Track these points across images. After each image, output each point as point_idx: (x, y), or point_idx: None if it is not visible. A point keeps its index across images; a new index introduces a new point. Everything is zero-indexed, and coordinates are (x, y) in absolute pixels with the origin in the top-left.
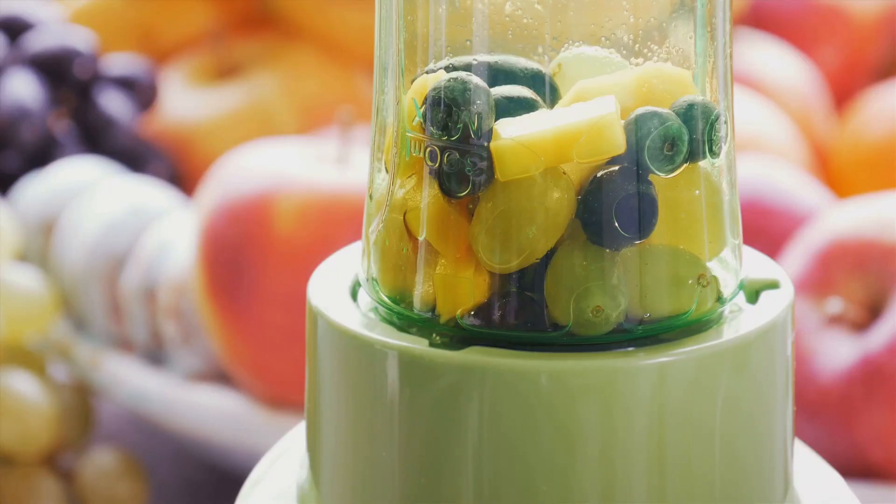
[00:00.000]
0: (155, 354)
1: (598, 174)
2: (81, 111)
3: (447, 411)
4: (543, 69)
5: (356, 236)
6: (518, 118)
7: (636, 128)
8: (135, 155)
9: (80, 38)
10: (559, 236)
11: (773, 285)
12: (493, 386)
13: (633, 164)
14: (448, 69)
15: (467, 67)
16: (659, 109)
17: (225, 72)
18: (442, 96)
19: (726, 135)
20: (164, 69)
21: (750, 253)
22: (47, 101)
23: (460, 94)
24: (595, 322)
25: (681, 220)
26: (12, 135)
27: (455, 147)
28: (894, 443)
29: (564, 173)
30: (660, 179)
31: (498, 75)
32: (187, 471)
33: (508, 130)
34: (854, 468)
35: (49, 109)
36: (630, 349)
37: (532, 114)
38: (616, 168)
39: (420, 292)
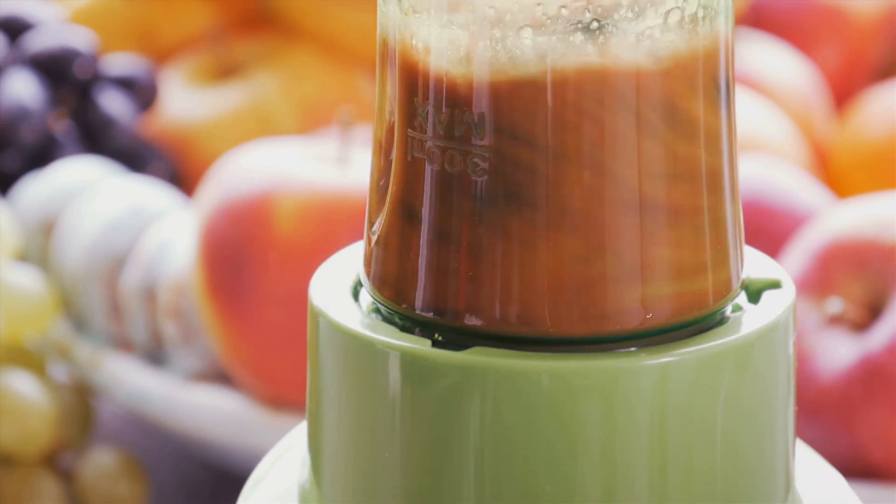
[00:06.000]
0: (155, 354)
1: None
2: (81, 111)
3: (449, 411)
4: None
5: (357, 236)
6: None
7: None
8: (135, 155)
9: (80, 38)
10: None
11: (775, 285)
12: (495, 386)
13: None
14: None
15: None
16: None
17: (225, 72)
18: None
19: None
20: (164, 69)
21: (750, 253)
22: (47, 101)
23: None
24: None
25: None
26: (12, 135)
27: (456, 147)
28: (894, 443)
29: None
30: None
31: None
32: (187, 471)
33: None
34: (854, 468)
35: (49, 109)
36: (632, 349)
37: None
38: None
39: (422, 292)
